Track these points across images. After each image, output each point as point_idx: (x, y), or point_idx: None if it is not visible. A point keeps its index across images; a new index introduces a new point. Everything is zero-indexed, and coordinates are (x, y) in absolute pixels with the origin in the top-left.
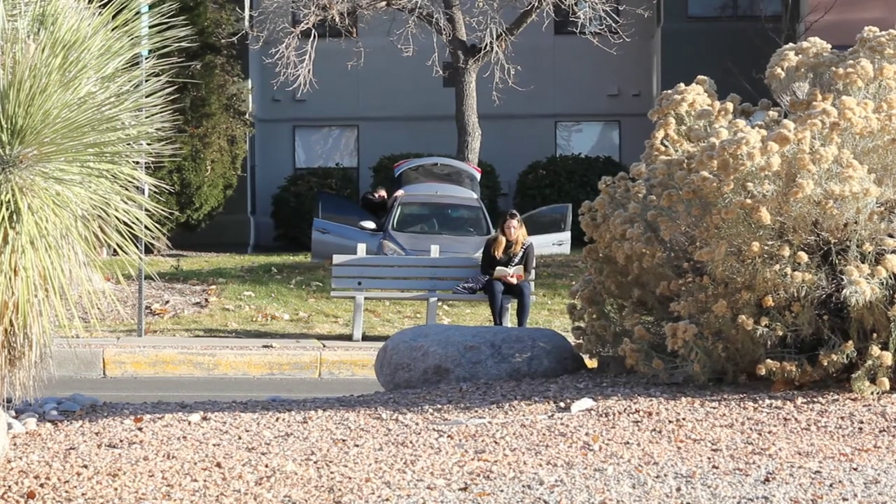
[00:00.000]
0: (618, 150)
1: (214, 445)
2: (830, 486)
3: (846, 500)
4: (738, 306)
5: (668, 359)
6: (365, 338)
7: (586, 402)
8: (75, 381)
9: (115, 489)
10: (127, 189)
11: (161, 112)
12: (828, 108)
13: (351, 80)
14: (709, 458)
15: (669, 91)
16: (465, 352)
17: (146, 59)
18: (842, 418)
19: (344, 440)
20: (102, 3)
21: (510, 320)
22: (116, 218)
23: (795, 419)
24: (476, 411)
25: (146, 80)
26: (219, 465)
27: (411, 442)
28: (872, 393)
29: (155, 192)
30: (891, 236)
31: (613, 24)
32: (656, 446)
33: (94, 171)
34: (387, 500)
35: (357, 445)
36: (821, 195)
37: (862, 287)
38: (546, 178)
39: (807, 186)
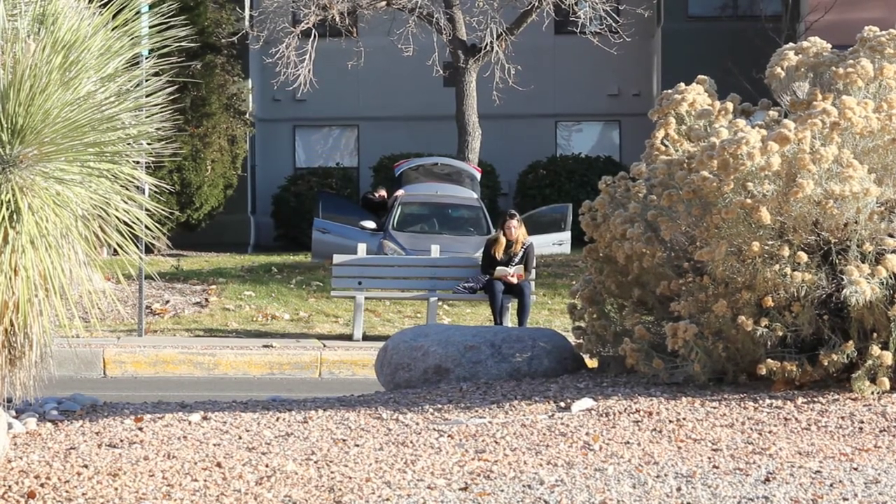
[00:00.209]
0: (618, 149)
1: (215, 445)
2: (831, 485)
3: (846, 499)
4: (739, 306)
5: (669, 359)
6: (365, 338)
7: (586, 402)
8: (75, 380)
9: (116, 489)
10: (127, 189)
11: (161, 112)
12: (828, 108)
13: (351, 80)
14: (709, 458)
15: (669, 91)
16: (465, 352)
17: (146, 58)
18: (842, 418)
19: (344, 440)
20: (102, 3)
21: (510, 320)
22: (117, 218)
23: (796, 419)
24: (476, 411)
25: (146, 80)
26: (219, 464)
27: (411, 442)
28: (873, 393)
29: (155, 192)
30: (891, 236)
31: (613, 24)
32: (657, 446)
33: (95, 170)
34: (387, 499)
35: (357, 445)
36: (821, 195)
37: (862, 287)
38: (546, 177)
39: (807, 186)
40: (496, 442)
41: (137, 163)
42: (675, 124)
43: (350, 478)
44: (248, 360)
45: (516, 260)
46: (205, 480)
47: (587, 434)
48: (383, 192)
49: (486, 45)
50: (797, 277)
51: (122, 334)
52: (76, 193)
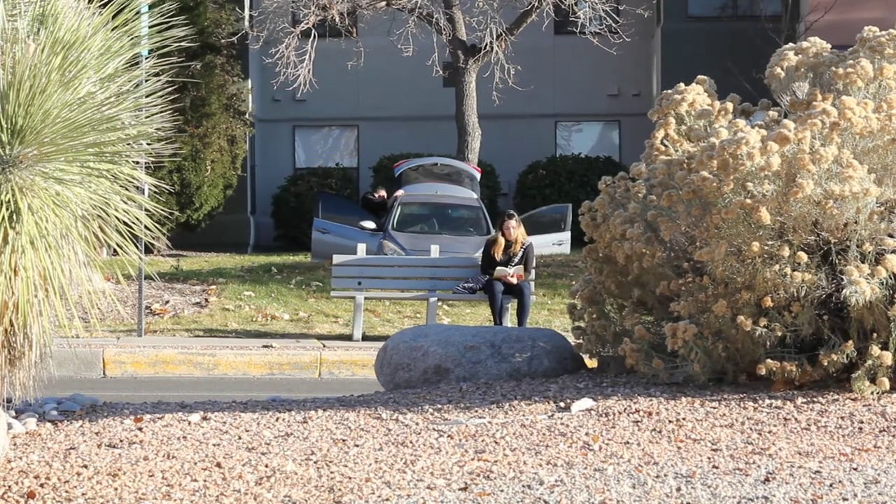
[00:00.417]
0: (618, 150)
1: (214, 445)
2: (830, 486)
3: (846, 500)
4: (738, 306)
5: (668, 359)
6: (365, 338)
7: (586, 402)
8: (75, 381)
9: (115, 489)
10: (127, 189)
11: (161, 112)
12: (828, 108)
13: (351, 80)
14: (709, 458)
15: (669, 91)
16: (465, 352)
17: (146, 58)
18: (842, 418)
19: (344, 440)
20: (102, 3)
21: (510, 320)
22: (116, 218)
23: (795, 419)
24: (476, 411)
25: (146, 80)
26: (219, 465)
27: (411, 442)
28: (872, 393)
29: (155, 192)
30: (891, 236)
31: (613, 24)
32: (656, 446)
33: (94, 171)
34: (387, 500)
35: (357, 445)
36: (821, 195)
37: (862, 287)
38: (546, 178)
39: (807, 186)
40: (496, 442)
41: (137, 163)
42: (674, 124)
43: (350, 478)
44: (248, 361)
45: (516, 260)
46: (204, 481)
47: (587, 434)
48: (383, 193)
49: (486, 45)
50: (797, 277)
51: (122, 334)
52: (76, 194)
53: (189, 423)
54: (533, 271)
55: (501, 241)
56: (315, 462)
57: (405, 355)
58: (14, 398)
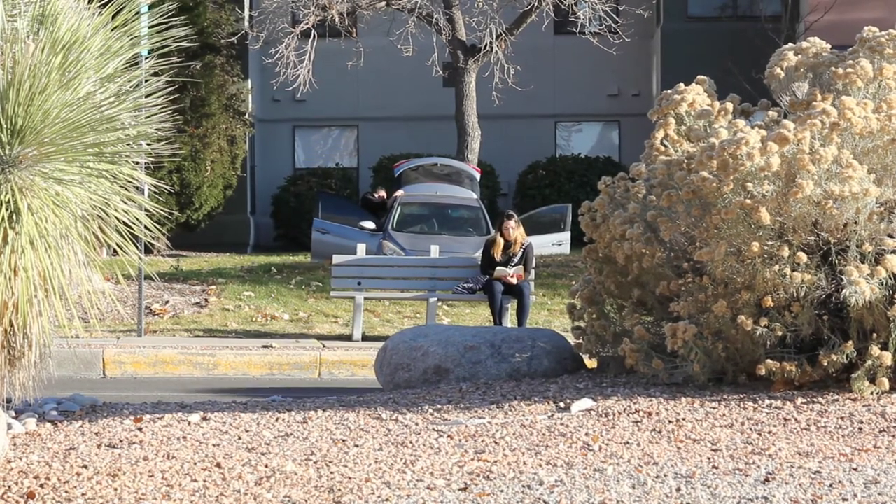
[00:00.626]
0: (618, 150)
1: (214, 445)
2: (830, 486)
3: (846, 500)
4: (738, 306)
5: (668, 359)
6: (365, 338)
7: (586, 403)
8: (75, 381)
9: (115, 489)
10: (127, 189)
11: (161, 112)
12: (827, 108)
13: (351, 80)
14: (709, 459)
15: (669, 91)
16: (465, 352)
17: (146, 59)
18: (842, 418)
19: (344, 440)
20: (102, 3)
21: (510, 320)
22: (116, 218)
23: (795, 419)
24: (476, 411)
25: (146, 80)
26: (219, 465)
27: (411, 442)
28: (872, 393)
29: (155, 192)
30: (890, 236)
31: (613, 24)
32: (656, 446)
33: (94, 171)
34: (387, 500)
35: (357, 445)
36: (820, 195)
37: (862, 287)
38: (546, 178)
39: (806, 186)
40: (496, 442)
41: (137, 163)
42: (674, 124)
43: (349, 478)
44: (248, 361)
45: (515, 260)
46: (204, 481)
47: (587, 434)
48: (383, 193)
49: (486, 45)
50: (797, 278)
51: (122, 334)
52: (76, 194)
53: (189, 423)
54: (533, 271)
55: (501, 241)
56: (315, 462)
57: (405, 355)
58: (14, 398)
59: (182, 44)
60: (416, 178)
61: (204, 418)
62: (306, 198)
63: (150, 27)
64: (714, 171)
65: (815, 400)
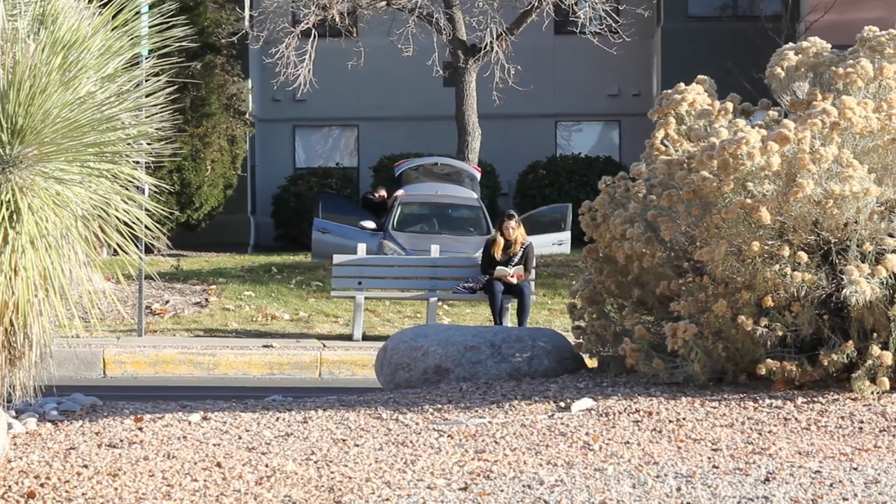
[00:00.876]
0: (618, 149)
1: (214, 445)
2: (830, 485)
3: (846, 499)
4: (738, 306)
5: (668, 358)
6: (365, 338)
7: (586, 402)
8: (75, 381)
9: (116, 489)
10: (127, 189)
11: (161, 112)
12: (828, 108)
13: (351, 80)
14: (709, 458)
15: (669, 91)
16: (465, 352)
17: (146, 58)
18: (842, 418)
19: (344, 440)
20: (102, 3)
21: (510, 320)
22: (116, 218)
23: (795, 419)
24: (476, 411)
25: (146, 80)
26: (219, 464)
27: (411, 442)
28: (872, 393)
29: (155, 192)
30: (891, 236)
31: (613, 24)
32: (656, 446)
33: (95, 170)
34: (387, 499)
35: (357, 445)
36: (821, 195)
37: (862, 287)
38: (546, 178)
39: (807, 186)
40: (496, 442)
41: (137, 163)
42: (675, 124)
43: (350, 478)
44: (248, 360)
45: (515, 260)
46: (205, 480)
47: (587, 434)
48: (383, 192)
49: (486, 45)
50: (797, 277)
51: (122, 334)
52: (76, 193)
53: (189, 423)
54: (533, 271)
55: (501, 240)
56: (315, 462)
57: (405, 355)
58: (14, 398)
59: (182, 43)
60: (416, 178)
61: (204, 418)
62: (306, 198)
63: (150, 27)
64: (714, 171)
65: (815, 399)
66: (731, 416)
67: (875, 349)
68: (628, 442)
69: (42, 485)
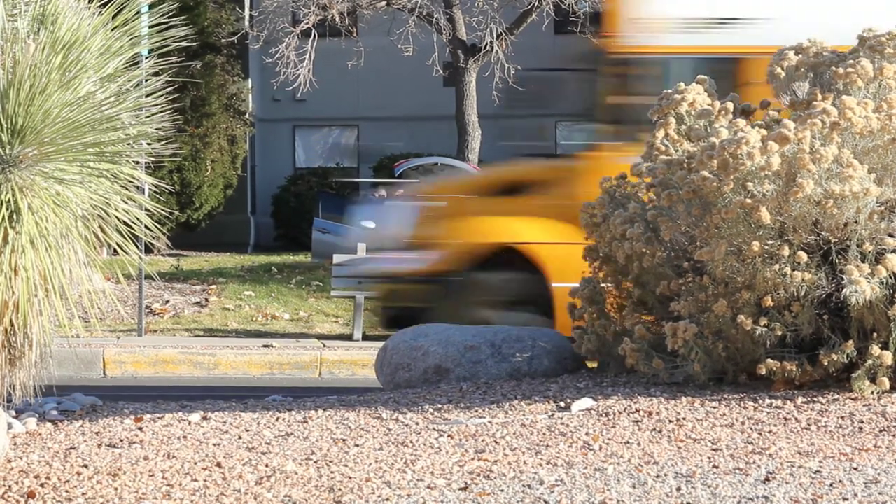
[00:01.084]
0: None
1: (214, 445)
2: (831, 485)
3: (846, 499)
4: (738, 306)
5: (669, 358)
6: (365, 338)
7: (586, 402)
8: (75, 380)
9: (116, 489)
10: (127, 189)
11: (161, 112)
12: (828, 108)
13: (351, 80)
14: (709, 458)
15: (669, 90)
16: (465, 351)
17: (146, 58)
18: (842, 418)
19: (344, 440)
20: (102, 2)
21: None
22: (116, 218)
23: (795, 419)
24: (476, 411)
25: (146, 80)
26: (219, 464)
27: (411, 441)
28: (872, 392)
29: (155, 192)
30: (891, 236)
31: None
32: (656, 446)
33: (95, 170)
34: (387, 499)
35: (357, 445)
36: (821, 195)
37: (862, 286)
38: None
39: (807, 186)
40: (496, 442)
41: (137, 163)
42: (675, 124)
43: (350, 478)
44: (248, 360)
45: None
46: (205, 480)
47: (587, 434)
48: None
49: (486, 45)
50: (797, 277)
51: (122, 334)
52: (76, 193)
53: (189, 422)
54: None
55: None
56: (315, 462)
57: (405, 355)
58: (14, 398)
59: (182, 43)
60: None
61: (204, 418)
62: (306, 197)
63: (150, 27)
64: (714, 171)
65: (815, 399)
66: (731, 415)
67: (875, 349)
68: (628, 442)
69: (42, 485)
